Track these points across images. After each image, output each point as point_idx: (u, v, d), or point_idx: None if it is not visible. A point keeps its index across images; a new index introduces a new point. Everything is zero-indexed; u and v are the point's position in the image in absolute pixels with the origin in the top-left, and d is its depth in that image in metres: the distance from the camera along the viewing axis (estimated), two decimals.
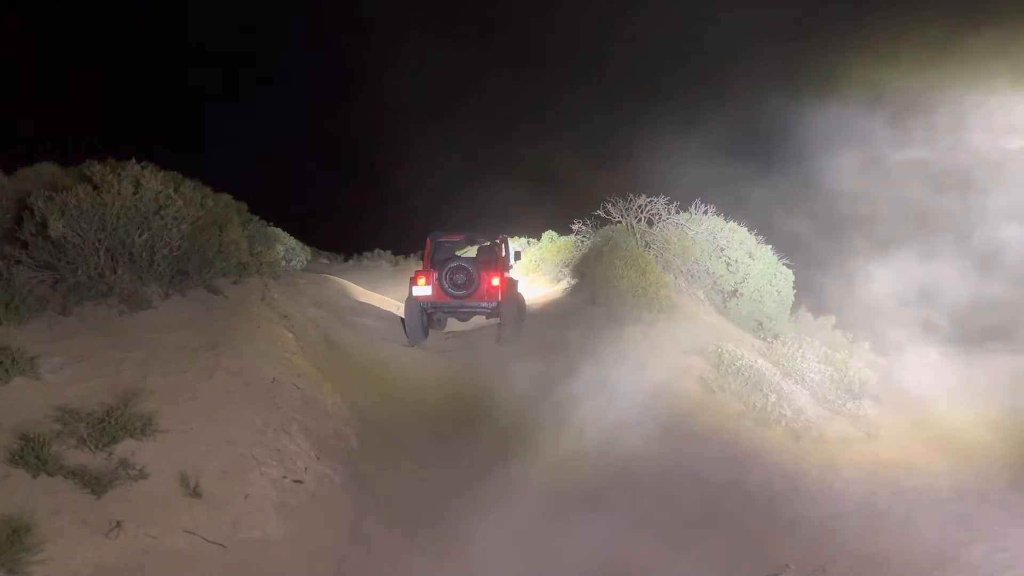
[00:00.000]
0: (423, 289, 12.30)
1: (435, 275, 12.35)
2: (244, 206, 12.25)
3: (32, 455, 4.92)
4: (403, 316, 12.83)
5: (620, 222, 15.91)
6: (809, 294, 16.55)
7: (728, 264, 15.55)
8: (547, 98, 36.78)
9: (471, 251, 14.92)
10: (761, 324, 15.25)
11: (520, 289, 14.14)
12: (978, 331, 16.27)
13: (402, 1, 42.17)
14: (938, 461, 9.69)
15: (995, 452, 9.72)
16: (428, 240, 13.46)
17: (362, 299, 15.35)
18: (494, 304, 12.45)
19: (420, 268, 13.27)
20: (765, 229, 16.21)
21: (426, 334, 12.59)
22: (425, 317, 12.59)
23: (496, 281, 12.39)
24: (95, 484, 4.95)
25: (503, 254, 13.52)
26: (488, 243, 13.89)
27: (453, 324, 13.98)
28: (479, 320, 13.86)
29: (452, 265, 12.40)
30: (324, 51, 41.36)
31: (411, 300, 12.41)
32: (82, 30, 34.08)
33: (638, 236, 15.53)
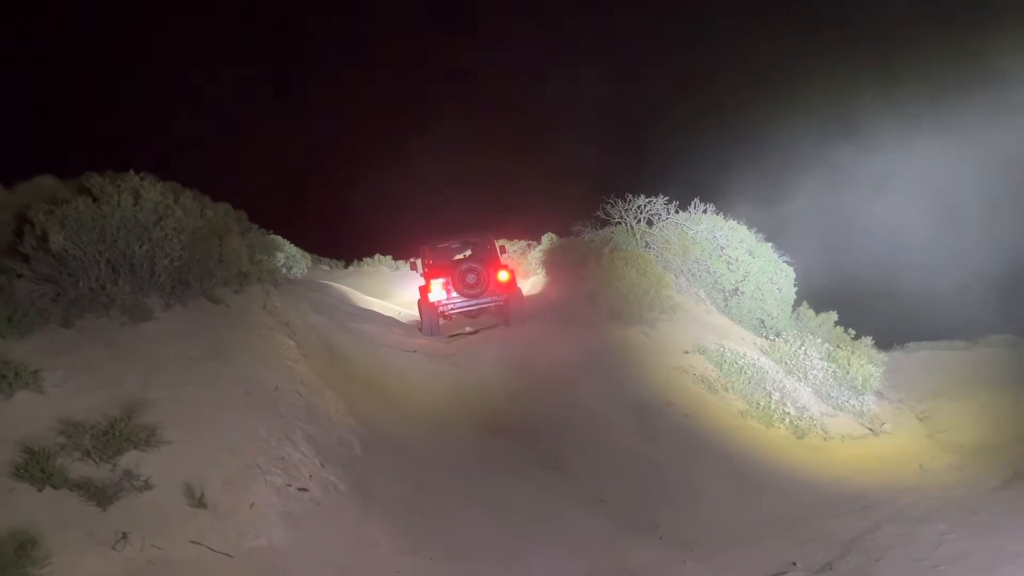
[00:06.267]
0: (439, 294, 13.36)
1: (447, 279, 13.29)
2: (243, 214, 12.24)
3: (37, 468, 4.93)
4: (418, 317, 13.90)
5: (620, 223, 15.92)
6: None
7: (728, 263, 15.54)
8: (546, 100, 36.87)
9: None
10: (763, 322, 15.25)
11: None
12: (981, 325, 16.28)
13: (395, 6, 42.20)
14: (943, 456, 9.68)
15: (999, 446, 9.71)
16: (425, 248, 14.05)
17: (363, 305, 15.37)
18: (503, 298, 13.44)
19: (424, 274, 13.79)
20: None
21: (439, 330, 13.61)
22: (438, 316, 13.57)
23: (503, 276, 13.48)
24: (100, 496, 4.96)
25: (497, 251, 14.40)
26: (480, 242, 14.71)
27: (453, 327, 14.03)
28: (480, 324, 13.97)
29: (463, 268, 13.37)
30: (323, 57, 41.40)
31: (427, 304, 13.40)
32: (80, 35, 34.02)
33: (638, 236, 15.53)
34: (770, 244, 15.79)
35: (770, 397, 10.96)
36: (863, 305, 16.57)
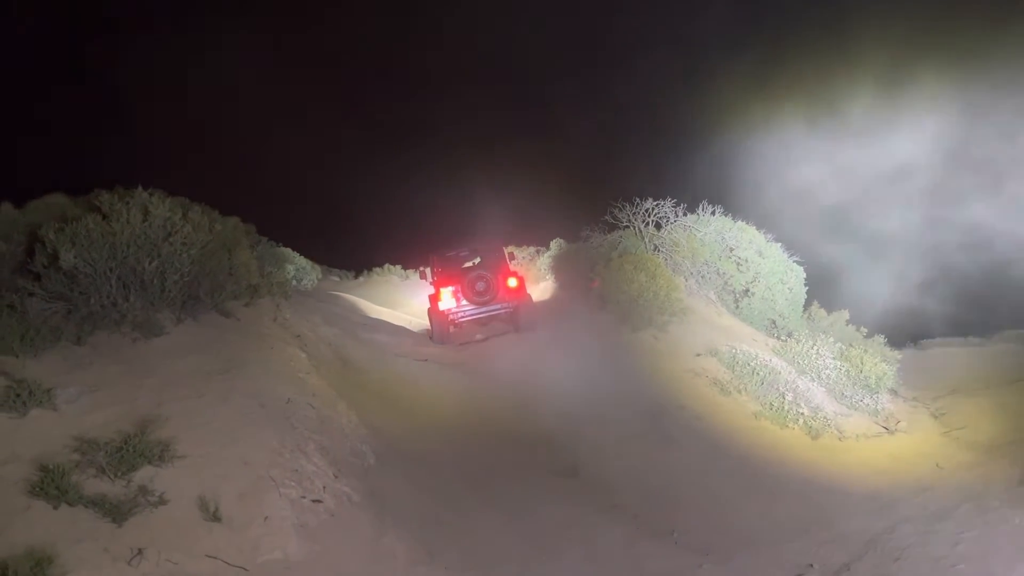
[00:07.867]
0: (448, 302, 13.45)
1: (457, 287, 13.40)
2: (253, 228, 12.33)
3: (52, 486, 4.95)
4: (428, 326, 14.03)
5: (628, 227, 15.91)
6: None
7: (738, 264, 15.50)
8: (548, 107, 36.93)
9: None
10: (774, 322, 15.20)
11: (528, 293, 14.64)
12: (995, 320, 16.18)
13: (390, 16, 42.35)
14: (959, 454, 9.60)
15: (1016, 443, 9.62)
16: (434, 257, 14.11)
17: (373, 315, 15.41)
18: (513, 305, 13.50)
19: (434, 283, 13.85)
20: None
21: (450, 338, 13.67)
22: (449, 324, 13.63)
23: (513, 283, 13.53)
24: (115, 512, 4.97)
25: (506, 258, 14.44)
26: (489, 249, 14.73)
27: (463, 335, 14.03)
28: (491, 331, 13.97)
29: (472, 275, 13.43)
30: (329, 64, 41.56)
31: (437, 313, 13.48)
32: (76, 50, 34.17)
33: (646, 240, 15.51)
34: (779, 245, 15.76)
35: (783, 398, 10.91)
36: (876, 303, 16.49)
